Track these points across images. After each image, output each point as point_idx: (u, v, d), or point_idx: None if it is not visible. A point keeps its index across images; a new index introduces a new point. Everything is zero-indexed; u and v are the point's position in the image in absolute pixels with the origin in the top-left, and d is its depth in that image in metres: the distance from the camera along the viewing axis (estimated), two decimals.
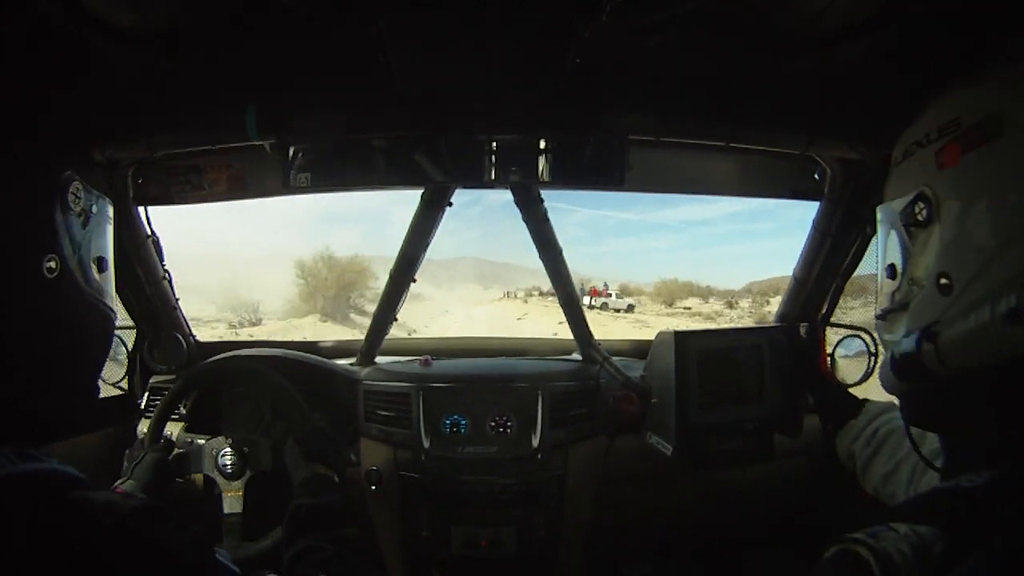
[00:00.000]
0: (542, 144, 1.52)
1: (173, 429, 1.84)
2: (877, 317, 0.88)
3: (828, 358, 1.84)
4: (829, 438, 1.49)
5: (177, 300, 2.08)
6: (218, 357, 1.86)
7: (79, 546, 0.59)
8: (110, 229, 0.88)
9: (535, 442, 1.89)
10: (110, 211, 0.87)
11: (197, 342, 2.20)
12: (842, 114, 1.49)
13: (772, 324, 2.07)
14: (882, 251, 0.87)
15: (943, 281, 0.72)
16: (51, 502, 0.61)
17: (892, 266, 0.83)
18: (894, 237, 0.82)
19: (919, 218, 0.76)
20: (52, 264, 0.70)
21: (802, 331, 1.83)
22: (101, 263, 0.83)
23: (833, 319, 2.01)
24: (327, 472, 1.50)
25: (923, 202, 0.75)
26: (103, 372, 0.90)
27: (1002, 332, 0.63)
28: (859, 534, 0.61)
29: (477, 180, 1.57)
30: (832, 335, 1.95)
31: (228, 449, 1.69)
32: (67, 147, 0.78)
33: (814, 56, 1.22)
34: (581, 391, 1.98)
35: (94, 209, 0.81)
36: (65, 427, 0.78)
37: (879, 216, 0.88)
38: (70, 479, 0.66)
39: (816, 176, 1.79)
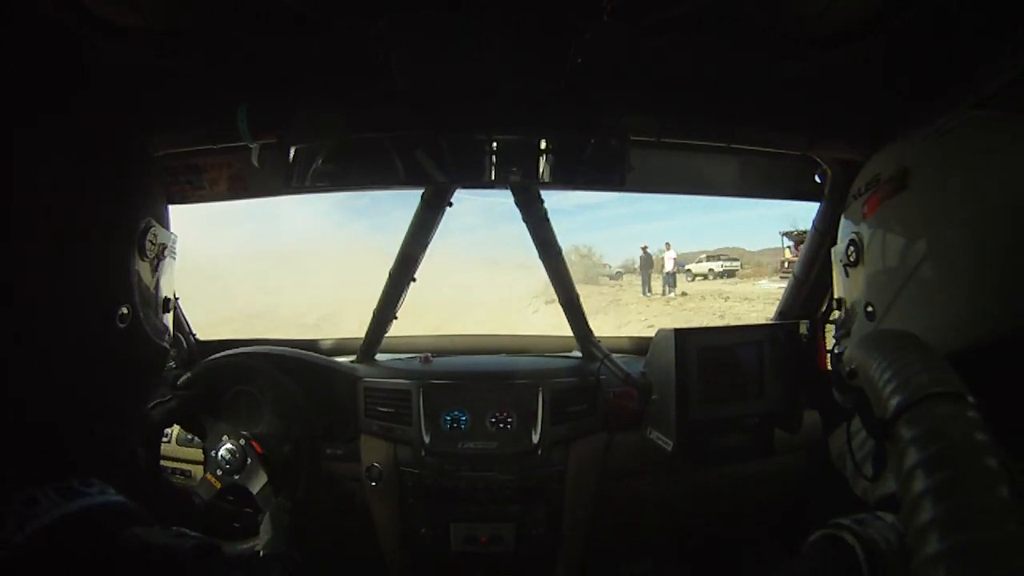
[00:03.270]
0: (543, 144, 1.52)
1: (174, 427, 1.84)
2: (835, 342, 1.05)
3: (828, 355, 1.84)
4: (827, 435, 1.50)
5: (177, 299, 2.08)
6: (218, 355, 1.86)
7: None
8: (174, 264, 0.88)
9: (535, 438, 1.89)
10: (174, 244, 0.87)
11: (197, 340, 2.20)
12: (842, 115, 1.50)
13: (772, 322, 2.08)
14: (835, 287, 1.02)
15: (869, 309, 0.86)
16: (105, 543, 0.61)
17: (839, 300, 0.99)
18: (838, 276, 0.98)
19: (851, 259, 0.90)
20: (125, 311, 0.71)
21: (802, 328, 1.83)
22: (166, 304, 0.84)
23: (833, 317, 2.01)
24: (293, 556, 1.48)
25: (852, 246, 0.90)
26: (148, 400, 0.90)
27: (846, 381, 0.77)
28: (845, 520, 0.64)
29: (477, 180, 1.56)
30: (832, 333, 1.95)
31: (229, 444, 1.69)
32: (145, 191, 0.77)
33: (814, 58, 1.23)
34: (581, 387, 1.99)
35: (165, 252, 0.81)
36: (111, 455, 0.78)
37: (832, 259, 1.02)
38: (120, 512, 0.66)
39: (816, 177, 1.80)
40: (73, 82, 0.78)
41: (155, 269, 0.79)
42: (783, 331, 1.77)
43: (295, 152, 1.51)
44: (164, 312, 0.83)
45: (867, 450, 1.30)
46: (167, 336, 0.85)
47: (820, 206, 1.84)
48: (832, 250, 1.00)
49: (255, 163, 1.53)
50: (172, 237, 0.84)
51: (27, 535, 0.56)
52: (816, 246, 1.89)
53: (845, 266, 0.92)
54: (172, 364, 2.09)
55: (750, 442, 1.77)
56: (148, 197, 0.77)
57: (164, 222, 0.80)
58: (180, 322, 2.12)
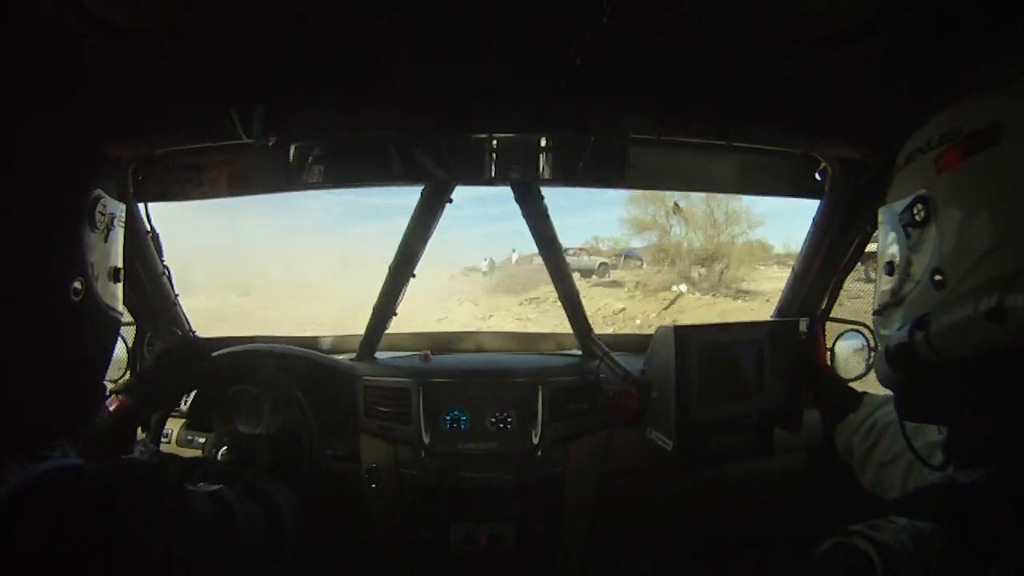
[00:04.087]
0: (543, 142, 1.52)
1: (173, 426, 1.84)
2: (874, 313, 0.92)
3: (828, 352, 1.85)
4: (829, 432, 1.50)
5: (177, 296, 2.08)
6: (218, 353, 1.87)
7: (100, 512, 0.64)
8: (122, 232, 0.87)
9: (535, 437, 1.90)
10: (123, 214, 0.86)
11: (196, 338, 2.20)
12: (842, 113, 1.50)
13: (772, 319, 2.08)
14: (882, 251, 0.90)
15: (937, 277, 0.75)
16: (73, 492, 0.64)
17: (890, 263, 0.86)
18: (893, 236, 0.86)
19: (917, 218, 0.79)
20: (78, 285, 0.71)
21: (802, 326, 1.84)
22: (116, 273, 0.83)
23: (833, 314, 2.02)
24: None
25: (922, 203, 0.78)
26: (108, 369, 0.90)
27: (984, 327, 0.67)
28: (857, 526, 0.62)
29: (478, 177, 1.57)
30: (832, 330, 1.96)
31: (227, 448, 1.69)
32: (93, 162, 0.77)
33: (814, 56, 1.23)
34: (581, 386, 1.99)
35: (115, 222, 0.80)
36: (72, 426, 0.79)
37: (880, 217, 0.91)
38: (82, 469, 0.69)
39: (817, 175, 1.80)
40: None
41: (106, 240, 0.78)
42: (783, 329, 1.77)
43: (295, 150, 1.51)
44: (115, 282, 0.83)
45: (872, 441, 1.31)
46: (118, 304, 0.85)
47: (820, 203, 1.84)
48: (881, 210, 0.91)
49: (278, 157, 1.54)
50: (120, 207, 0.83)
51: (2, 495, 0.59)
52: (816, 243, 1.89)
53: (906, 226, 0.82)
54: None
55: (750, 441, 1.78)
56: (96, 167, 0.77)
57: (111, 191, 0.80)
58: (180, 320, 2.12)
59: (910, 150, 0.84)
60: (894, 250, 0.86)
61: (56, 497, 0.62)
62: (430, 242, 2.00)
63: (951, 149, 0.76)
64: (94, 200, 0.74)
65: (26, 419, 0.69)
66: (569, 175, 1.59)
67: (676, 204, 17.63)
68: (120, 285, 0.86)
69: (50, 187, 0.69)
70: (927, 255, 0.78)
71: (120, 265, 0.85)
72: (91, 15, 1.10)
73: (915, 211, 0.79)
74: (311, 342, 2.33)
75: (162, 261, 1.96)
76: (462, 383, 1.99)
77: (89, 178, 0.74)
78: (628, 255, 21.14)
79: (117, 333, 0.87)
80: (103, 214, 0.76)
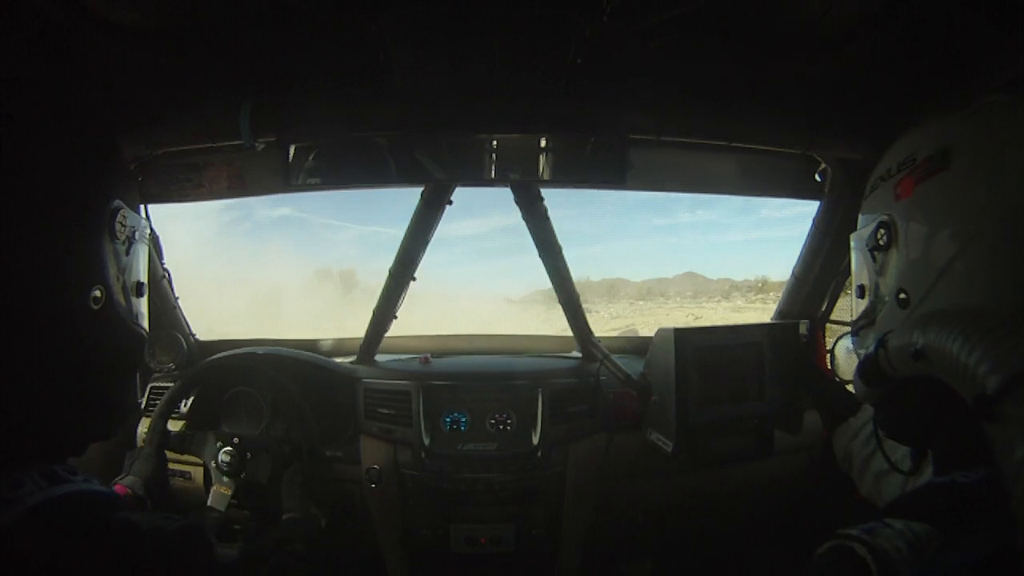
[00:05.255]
0: (543, 143, 1.52)
1: (174, 427, 1.84)
2: (852, 334, 0.99)
3: (828, 355, 1.84)
4: (829, 435, 1.50)
5: (177, 299, 2.07)
6: (218, 356, 1.86)
7: (130, 568, 0.60)
8: (146, 250, 0.86)
9: (535, 439, 1.89)
10: (147, 231, 0.86)
11: (197, 341, 2.19)
12: (842, 114, 1.50)
13: (772, 322, 2.07)
14: (855, 274, 0.97)
15: (902, 296, 0.81)
16: (95, 525, 0.61)
17: (861, 286, 0.94)
18: (862, 261, 0.92)
19: (881, 243, 0.85)
20: (98, 293, 0.70)
21: (802, 328, 1.84)
22: (140, 288, 0.82)
23: (833, 317, 2.01)
24: (316, 515, 1.59)
25: (884, 228, 0.85)
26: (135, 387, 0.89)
27: (910, 361, 0.72)
28: (854, 530, 0.63)
29: (478, 178, 1.57)
30: (833, 333, 1.95)
31: (231, 448, 1.68)
32: (114, 174, 0.76)
33: (814, 57, 1.23)
34: (581, 388, 1.98)
35: (136, 235, 0.80)
36: (92, 439, 0.77)
37: (852, 244, 0.97)
38: (109, 500, 0.67)
39: (817, 176, 1.80)
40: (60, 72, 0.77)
41: (127, 252, 0.78)
42: (783, 331, 1.77)
43: (294, 151, 1.51)
44: (138, 296, 0.82)
45: (871, 448, 1.30)
46: (142, 320, 0.84)
47: (820, 205, 1.84)
48: (852, 236, 0.96)
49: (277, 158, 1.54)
50: (142, 222, 0.83)
51: (14, 516, 0.57)
52: (816, 245, 1.89)
53: (872, 250, 0.87)
54: (171, 366, 2.09)
55: (750, 443, 1.78)
56: (116, 179, 0.76)
57: (133, 205, 0.79)
58: (180, 323, 2.12)
59: (874, 179, 0.90)
60: (864, 274, 0.92)
61: (67, 526, 0.60)
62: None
63: (907, 176, 0.81)
64: (114, 210, 0.73)
65: (47, 432, 0.67)
66: (569, 176, 1.58)
67: None
68: (144, 301, 0.85)
69: (69, 194, 0.68)
70: (892, 276, 0.84)
71: (143, 280, 0.84)
72: (91, 13, 1.10)
73: (879, 236, 0.85)
74: (311, 345, 2.33)
75: (162, 264, 1.96)
76: (462, 385, 1.98)
77: (108, 188, 0.74)
78: None
79: (141, 348, 0.86)
80: (123, 225, 0.75)
